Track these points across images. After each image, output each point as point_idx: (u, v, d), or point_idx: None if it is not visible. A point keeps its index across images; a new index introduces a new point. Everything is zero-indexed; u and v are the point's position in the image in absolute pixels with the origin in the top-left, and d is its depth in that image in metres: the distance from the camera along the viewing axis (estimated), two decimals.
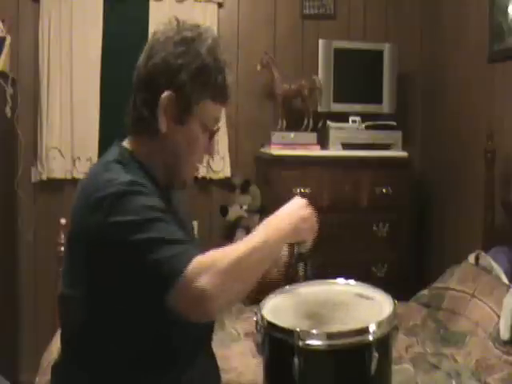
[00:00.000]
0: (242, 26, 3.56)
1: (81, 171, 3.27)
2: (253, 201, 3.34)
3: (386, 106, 3.44)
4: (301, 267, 1.38)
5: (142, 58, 1.30)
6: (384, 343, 1.16)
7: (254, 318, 1.24)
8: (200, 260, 1.11)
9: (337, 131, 3.30)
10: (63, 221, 2.54)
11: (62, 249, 2.41)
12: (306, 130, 3.36)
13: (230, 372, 2.00)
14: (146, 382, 1.25)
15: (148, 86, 1.28)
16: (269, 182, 3.25)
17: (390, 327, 1.18)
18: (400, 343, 2.15)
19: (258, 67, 3.33)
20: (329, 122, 3.35)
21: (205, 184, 3.51)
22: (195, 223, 3.25)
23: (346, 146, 3.28)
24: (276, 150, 3.20)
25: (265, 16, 3.58)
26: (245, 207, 3.32)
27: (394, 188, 3.24)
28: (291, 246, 1.31)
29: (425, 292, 2.68)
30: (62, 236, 2.53)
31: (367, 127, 3.36)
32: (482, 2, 2.99)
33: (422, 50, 3.70)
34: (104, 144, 3.14)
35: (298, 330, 1.14)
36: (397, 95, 3.46)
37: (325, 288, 1.40)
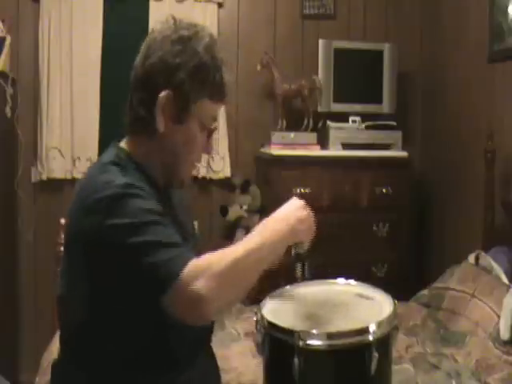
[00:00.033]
0: (242, 26, 3.56)
1: (81, 171, 3.27)
2: (253, 201, 3.34)
3: (386, 106, 3.44)
4: (299, 268, 1.38)
5: (139, 57, 1.30)
6: (384, 343, 1.16)
7: (254, 318, 1.24)
8: (196, 263, 1.10)
9: (337, 131, 3.30)
10: (63, 221, 2.53)
11: (62, 249, 2.41)
12: (306, 130, 3.36)
13: (230, 372, 2.00)
14: (144, 382, 1.25)
15: (145, 86, 1.28)
16: (269, 182, 3.25)
17: (390, 327, 1.18)
18: (400, 343, 2.15)
19: (258, 67, 3.33)
20: (329, 122, 3.35)
21: (205, 184, 3.52)
22: (195, 223, 3.25)
23: (345, 146, 3.28)
24: (276, 150, 3.20)
25: (265, 16, 3.58)
26: (245, 207, 3.32)
27: (394, 188, 3.24)
28: (289, 246, 1.30)
29: (425, 292, 2.68)
30: (62, 236, 2.53)
31: (367, 127, 3.36)
32: (482, 2, 2.99)
33: (421, 49, 3.70)
34: (104, 144, 3.14)
35: (298, 330, 1.14)
36: (397, 95, 3.46)
37: (325, 288, 1.40)
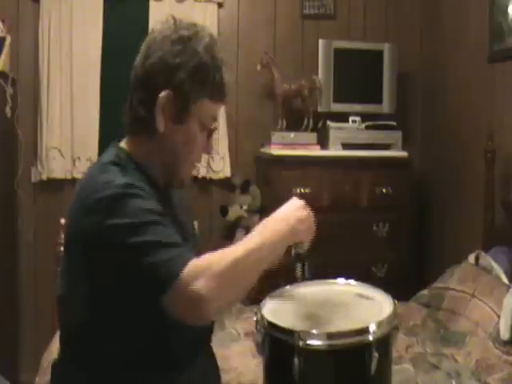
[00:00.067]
0: (242, 26, 3.56)
1: (81, 171, 3.27)
2: (253, 201, 3.34)
3: (386, 106, 3.44)
4: (299, 268, 1.38)
5: (138, 57, 1.30)
6: (384, 343, 1.16)
7: (254, 318, 1.24)
8: (196, 263, 1.10)
9: (337, 131, 3.30)
10: (63, 221, 2.53)
11: (62, 249, 2.41)
12: (306, 130, 3.36)
13: (230, 372, 2.00)
14: (144, 382, 1.25)
15: (145, 86, 1.28)
16: (269, 182, 3.25)
17: (390, 327, 1.18)
18: (400, 343, 2.15)
19: (258, 67, 3.33)
20: (329, 122, 3.35)
21: (205, 184, 3.52)
22: (195, 223, 3.25)
23: (345, 146, 3.28)
24: (276, 150, 3.20)
25: (265, 16, 3.58)
26: (245, 207, 3.32)
27: (394, 188, 3.24)
28: (289, 246, 1.31)
29: (425, 292, 2.68)
30: (62, 236, 2.53)
31: (367, 127, 3.36)
32: (482, 2, 2.99)
33: (421, 50, 3.70)
34: (104, 144, 3.14)
35: (298, 330, 1.14)
36: (397, 95, 3.46)
37: (325, 288, 1.40)
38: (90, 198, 1.18)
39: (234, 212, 3.31)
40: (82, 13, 3.30)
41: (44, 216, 3.33)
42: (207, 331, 1.41)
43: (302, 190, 3.10)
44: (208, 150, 1.37)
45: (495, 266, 2.40)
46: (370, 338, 1.13)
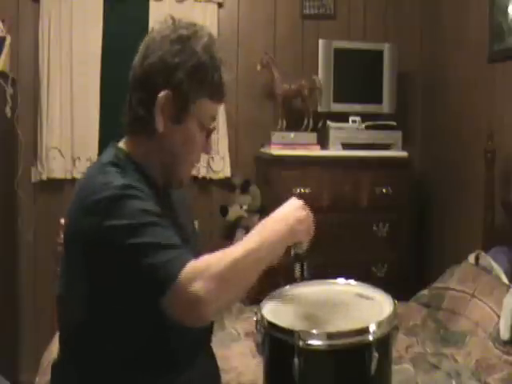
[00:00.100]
0: (242, 26, 3.56)
1: (81, 171, 3.27)
2: (253, 201, 3.34)
3: (385, 106, 3.44)
4: (297, 268, 1.38)
5: (137, 57, 1.30)
6: (384, 343, 1.16)
7: (254, 318, 1.24)
8: (194, 265, 1.10)
9: (337, 131, 3.30)
10: (63, 221, 2.53)
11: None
12: (306, 130, 3.36)
13: (230, 372, 2.00)
14: (144, 383, 1.25)
15: (144, 86, 1.27)
16: (269, 182, 3.25)
17: (390, 327, 1.18)
18: (400, 343, 2.15)
19: (258, 67, 3.33)
20: (329, 122, 3.35)
21: (205, 184, 3.51)
22: (195, 223, 3.25)
23: (345, 146, 3.28)
24: (276, 150, 3.20)
25: (265, 16, 3.57)
26: (245, 207, 3.32)
27: (394, 188, 3.24)
28: (288, 246, 1.31)
29: (425, 292, 2.68)
30: (62, 236, 2.53)
31: (367, 127, 3.36)
32: (482, 2, 2.99)
33: (421, 49, 3.70)
34: (104, 144, 3.11)
35: (298, 329, 1.14)
36: (397, 95, 3.46)
37: (325, 288, 1.40)
38: (89, 199, 1.18)
39: (234, 212, 3.31)
40: (82, 13, 3.30)
41: (44, 216, 3.33)
42: (207, 332, 1.41)
43: (302, 190, 3.10)
44: (207, 149, 1.37)
45: (495, 266, 2.40)
46: (370, 338, 1.13)
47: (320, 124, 3.40)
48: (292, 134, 3.27)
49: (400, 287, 2.37)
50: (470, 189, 3.08)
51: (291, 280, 1.40)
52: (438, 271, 2.75)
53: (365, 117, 3.37)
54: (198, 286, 1.07)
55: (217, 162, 3.47)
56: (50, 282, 2.82)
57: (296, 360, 1.11)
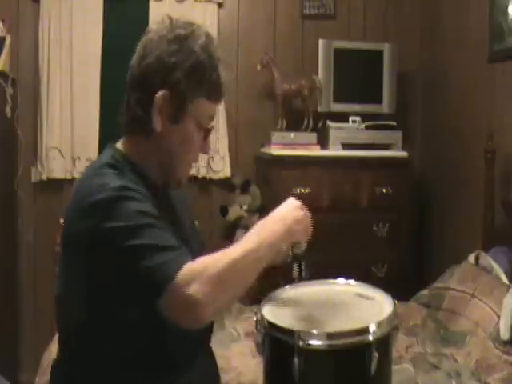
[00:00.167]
0: (242, 26, 3.56)
1: (81, 171, 3.26)
2: (253, 201, 3.34)
3: (385, 106, 3.44)
4: (296, 268, 1.38)
5: (135, 57, 1.29)
6: (384, 343, 1.17)
7: (254, 318, 1.24)
8: (191, 266, 1.10)
9: (337, 131, 3.30)
10: (63, 221, 2.53)
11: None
12: (306, 130, 3.36)
13: (230, 372, 2.00)
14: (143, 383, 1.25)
15: (142, 86, 1.27)
16: (269, 182, 3.25)
17: (390, 327, 1.18)
18: (400, 343, 2.15)
19: (258, 67, 3.33)
20: (329, 122, 3.35)
21: (205, 184, 3.51)
22: (196, 223, 3.25)
23: (345, 146, 3.28)
24: (276, 150, 3.20)
25: (265, 16, 3.57)
26: (245, 207, 3.32)
27: (394, 188, 3.24)
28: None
29: (425, 292, 2.68)
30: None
31: (367, 127, 3.36)
32: (482, 2, 2.99)
33: (421, 50, 3.70)
34: (104, 144, 3.12)
35: (298, 329, 1.14)
36: (397, 95, 3.46)
37: (325, 288, 1.40)
38: (85, 200, 1.18)
39: (234, 212, 3.31)
40: (82, 13, 3.30)
41: (44, 216, 3.33)
42: (206, 332, 1.40)
43: (302, 190, 3.10)
44: (205, 149, 1.36)
45: (495, 266, 2.40)
46: (370, 338, 1.13)
47: (320, 124, 3.40)
48: (292, 134, 3.27)
49: (400, 287, 2.37)
50: (470, 189, 3.08)
51: (290, 280, 1.40)
52: (438, 271, 2.75)
53: (365, 117, 3.37)
54: (194, 288, 1.07)
55: (217, 162, 3.47)
56: (50, 282, 2.81)
57: (296, 360, 1.11)
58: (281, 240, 1.23)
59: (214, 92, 1.31)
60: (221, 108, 3.39)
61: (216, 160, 3.46)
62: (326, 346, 1.12)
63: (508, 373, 1.93)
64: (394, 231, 3.25)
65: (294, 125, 3.39)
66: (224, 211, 3.33)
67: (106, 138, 3.24)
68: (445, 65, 3.44)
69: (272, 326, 1.18)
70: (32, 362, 2.70)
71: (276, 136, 3.26)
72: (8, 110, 3.05)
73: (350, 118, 3.35)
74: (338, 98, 3.37)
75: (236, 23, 3.56)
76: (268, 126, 3.43)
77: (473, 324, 2.22)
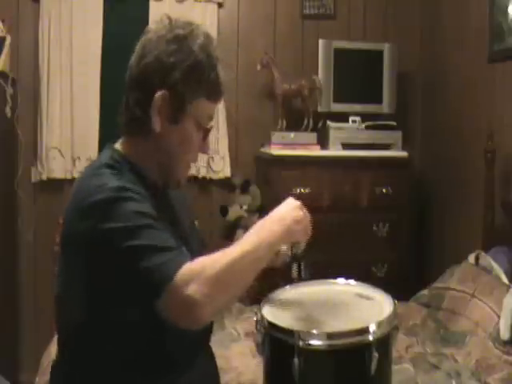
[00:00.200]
0: (242, 26, 3.56)
1: (81, 171, 3.25)
2: (253, 201, 3.34)
3: (385, 106, 3.44)
4: (295, 268, 1.38)
5: (133, 57, 1.29)
6: (384, 343, 1.17)
7: (254, 318, 1.24)
8: (190, 267, 1.09)
9: (337, 131, 3.30)
10: (62, 220, 2.53)
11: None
12: (306, 130, 3.36)
13: (230, 372, 2.00)
14: None
15: (141, 86, 1.27)
16: (269, 182, 3.25)
17: (390, 327, 1.18)
18: (400, 343, 2.15)
19: (258, 67, 3.33)
20: (329, 122, 3.35)
21: (205, 184, 3.51)
22: (195, 223, 3.25)
23: (346, 146, 3.28)
24: (276, 150, 3.20)
25: (265, 16, 3.57)
26: (245, 207, 3.32)
27: (394, 188, 3.24)
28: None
29: (425, 292, 2.68)
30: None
31: (367, 127, 3.36)
32: (482, 2, 2.99)
33: (421, 49, 3.70)
34: (104, 144, 3.13)
35: (298, 329, 1.14)
36: (397, 95, 3.46)
37: (325, 288, 1.40)
38: (84, 201, 1.17)
39: (234, 212, 3.31)
40: (82, 13, 3.30)
41: (44, 216, 3.33)
42: (206, 332, 1.40)
43: (302, 190, 3.10)
44: (204, 149, 1.36)
45: (495, 266, 2.40)
46: (370, 338, 1.13)
47: (320, 124, 3.40)
48: (292, 134, 3.27)
49: (400, 287, 2.37)
50: (470, 189, 3.08)
51: (289, 280, 1.40)
52: (438, 271, 2.75)
53: (365, 117, 3.37)
54: (193, 289, 1.06)
55: (217, 162, 3.47)
56: (50, 282, 2.80)
57: (296, 360, 1.11)
58: (280, 240, 1.22)
59: (213, 92, 1.30)
60: (221, 108, 3.39)
61: (216, 160, 3.46)
62: (326, 346, 1.12)
63: (508, 373, 1.93)
64: (394, 231, 3.24)
65: (294, 125, 3.39)
66: (224, 211, 3.33)
67: (105, 137, 3.24)
68: (445, 65, 3.44)
69: (272, 325, 1.18)
70: (32, 362, 2.70)
71: (276, 136, 3.26)
72: (8, 110, 3.05)
73: (350, 118, 3.35)
74: (337, 98, 3.37)
75: (236, 23, 3.56)
76: (268, 126, 3.43)
77: (473, 324, 2.22)
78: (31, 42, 3.32)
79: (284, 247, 1.36)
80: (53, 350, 2.08)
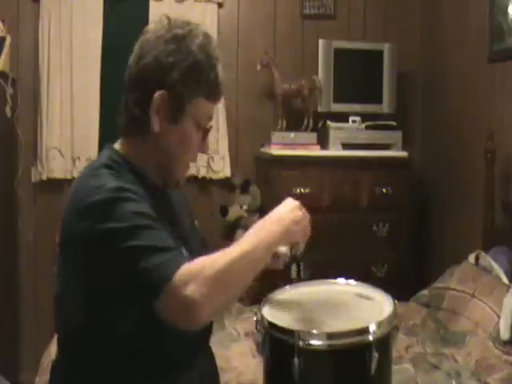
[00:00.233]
0: (242, 26, 3.56)
1: (81, 171, 3.26)
2: (253, 201, 3.34)
3: (385, 106, 3.44)
4: (294, 268, 1.38)
5: (132, 57, 1.29)
6: (384, 343, 1.16)
7: (254, 318, 1.24)
8: (189, 267, 1.09)
9: (337, 131, 3.30)
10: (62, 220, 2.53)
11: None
12: (306, 130, 3.36)
13: (230, 372, 2.00)
14: None
15: (140, 86, 1.27)
16: (269, 182, 3.25)
17: (390, 327, 1.18)
18: (400, 343, 2.15)
19: (258, 67, 3.33)
20: (329, 122, 3.35)
21: (205, 184, 3.51)
22: (195, 223, 3.25)
23: (345, 146, 3.28)
24: (276, 150, 3.20)
25: (265, 16, 3.57)
26: (245, 207, 3.32)
27: (394, 188, 3.24)
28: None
29: (425, 292, 2.68)
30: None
31: (367, 127, 3.36)
32: (482, 2, 2.99)
33: (421, 50, 3.70)
34: (104, 144, 3.13)
35: (298, 329, 1.14)
36: (397, 95, 3.46)
37: (325, 288, 1.40)
38: (83, 201, 1.17)
39: (234, 212, 3.31)
40: (82, 13, 3.30)
41: (44, 216, 3.33)
42: (205, 332, 1.40)
43: (302, 190, 3.10)
44: (203, 149, 1.35)
45: (495, 266, 2.40)
46: (370, 338, 1.13)
47: (320, 124, 3.40)
48: (292, 134, 3.27)
49: (400, 287, 2.36)
50: (470, 189, 3.08)
51: (289, 281, 1.39)
52: (438, 271, 2.75)
53: (365, 117, 3.37)
54: (191, 289, 1.06)
55: (217, 162, 3.47)
56: (50, 282, 2.81)
57: (296, 360, 1.11)
58: (279, 240, 1.22)
59: (213, 92, 1.30)
60: (221, 108, 3.39)
61: (216, 160, 3.46)
62: (326, 345, 1.12)
63: (508, 373, 1.93)
64: (394, 231, 3.25)
65: (294, 125, 3.39)
66: (224, 211, 3.33)
67: (105, 137, 3.24)
68: (445, 65, 3.44)
69: (272, 325, 1.18)
70: (32, 362, 2.70)
71: (276, 136, 3.26)
72: (8, 110, 3.05)
73: (350, 118, 3.35)
74: (338, 98, 3.37)
75: (236, 23, 3.56)
76: (268, 126, 3.43)
77: (473, 324, 2.22)
78: (31, 42, 3.32)
79: (283, 248, 1.36)
80: (53, 350, 2.08)
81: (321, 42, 3.34)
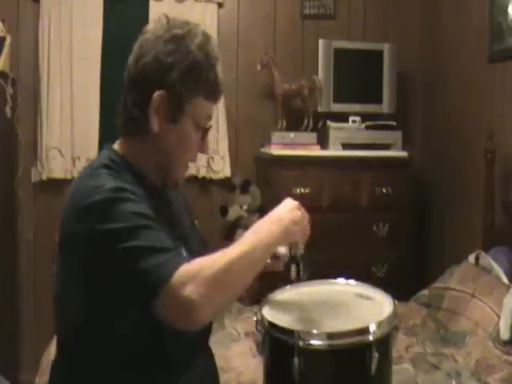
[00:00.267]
0: (242, 26, 3.56)
1: (80, 171, 3.26)
2: (253, 201, 3.34)
3: (385, 106, 3.44)
4: (293, 268, 1.38)
5: (131, 57, 1.29)
6: (384, 343, 1.16)
7: (254, 318, 1.24)
8: (187, 268, 1.09)
9: (337, 131, 3.30)
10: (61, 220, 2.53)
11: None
12: (306, 130, 3.36)
13: (230, 372, 2.00)
14: None
15: (139, 86, 1.26)
16: (269, 182, 3.25)
17: (390, 327, 1.18)
18: (400, 343, 2.15)
19: (258, 67, 3.33)
20: (329, 122, 3.35)
21: (205, 184, 3.51)
22: (195, 223, 3.25)
23: (345, 146, 3.28)
24: (276, 150, 3.20)
25: (265, 16, 3.57)
26: (245, 207, 3.32)
27: (394, 188, 3.24)
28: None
29: (425, 292, 2.68)
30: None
31: (367, 127, 3.36)
32: (482, 1, 2.99)
33: (421, 50, 3.70)
34: (104, 144, 3.13)
35: (298, 329, 1.14)
36: (397, 95, 3.46)
37: (325, 288, 1.40)
38: (82, 202, 1.17)
39: (234, 212, 3.31)
40: (82, 13, 3.30)
41: (44, 216, 3.33)
42: (205, 333, 1.39)
43: (302, 190, 3.10)
44: (203, 149, 1.35)
45: (495, 266, 2.40)
46: (370, 338, 1.13)
47: (320, 124, 3.40)
48: (292, 134, 3.27)
49: (400, 287, 2.36)
50: (470, 189, 3.08)
51: (288, 281, 1.39)
52: (438, 271, 2.75)
53: (365, 117, 3.37)
54: (190, 289, 1.05)
55: (217, 162, 3.47)
56: (50, 282, 2.81)
57: (296, 360, 1.11)
58: (278, 241, 1.22)
59: (212, 91, 1.30)
60: (221, 108, 3.39)
61: (216, 160, 3.46)
62: (326, 345, 1.12)
63: (508, 373, 1.93)
64: (394, 231, 3.25)
65: (294, 125, 3.39)
66: (224, 211, 3.32)
67: (105, 137, 3.23)
68: (445, 65, 3.44)
69: (272, 325, 1.18)
70: (32, 362, 2.70)
71: (276, 136, 3.26)
72: (8, 110, 3.05)
73: (350, 118, 3.35)
74: (338, 98, 3.37)
75: (236, 23, 3.56)
76: (268, 126, 3.43)
77: (473, 324, 2.22)
78: (31, 42, 3.32)
79: (282, 249, 1.36)
80: (53, 350, 2.08)
81: (321, 42, 3.34)
